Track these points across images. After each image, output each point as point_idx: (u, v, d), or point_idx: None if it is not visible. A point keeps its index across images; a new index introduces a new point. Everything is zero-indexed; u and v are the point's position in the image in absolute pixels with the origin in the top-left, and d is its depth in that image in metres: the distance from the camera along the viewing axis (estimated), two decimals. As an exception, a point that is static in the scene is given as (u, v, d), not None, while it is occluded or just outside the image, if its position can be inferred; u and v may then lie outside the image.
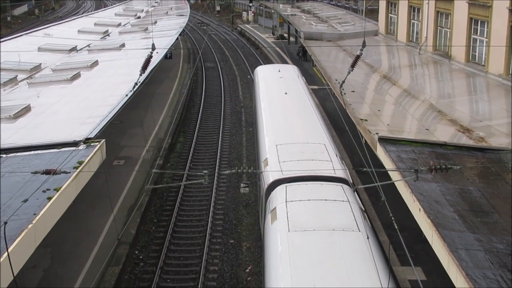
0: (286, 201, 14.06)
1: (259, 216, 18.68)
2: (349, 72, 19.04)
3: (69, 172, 14.02)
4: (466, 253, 10.79)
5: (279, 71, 29.63)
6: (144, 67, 19.32)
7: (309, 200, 13.99)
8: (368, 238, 12.11)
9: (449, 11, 30.24)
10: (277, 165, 16.46)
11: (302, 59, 50.80)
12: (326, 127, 20.67)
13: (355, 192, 15.00)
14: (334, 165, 16.10)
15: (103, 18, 56.69)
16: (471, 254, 10.79)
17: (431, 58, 32.20)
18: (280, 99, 24.07)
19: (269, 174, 15.98)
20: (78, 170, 14.69)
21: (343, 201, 13.87)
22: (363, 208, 14.37)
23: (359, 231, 12.47)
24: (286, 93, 24.62)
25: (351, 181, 15.59)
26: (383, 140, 16.91)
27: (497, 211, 12.87)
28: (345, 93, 21.77)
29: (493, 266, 10.46)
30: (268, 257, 12.51)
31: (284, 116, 21.63)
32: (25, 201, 12.54)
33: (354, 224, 12.76)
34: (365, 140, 18.08)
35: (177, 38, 43.09)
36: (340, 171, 15.80)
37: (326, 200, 13.89)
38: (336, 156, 17.09)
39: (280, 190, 14.84)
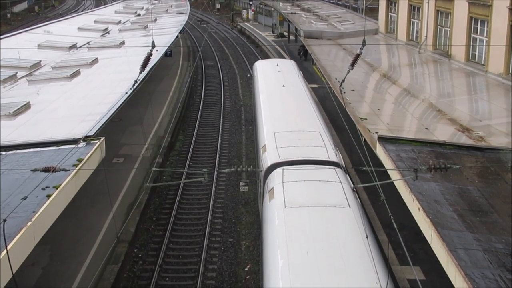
0: (283, 182, 14.99)
1: (257, 198, 19.63)
2: (349, 71, 19.03)
3: (69, 170, 14.03)
4: (465, 253, 10.79)
5: (277, 65, 30.85)
6: (144, 65, 19.30)
7: (304, 181, 14.95)
8: (359, 214, 13.19)
9: (449, 10, 30.23)
10: (274, 151, 17.45)
11: (303, 59, 50.60)
12: (321, 117, 21.80)
13: (347, 175, 16.01)
14: (328, 151, 17.17)
15: (103, 16, 56.65)
16: (470, 254, 10.79)
17: (431, 57, 32.19)
18: (278, 91, 25.15)
19: (267, 158, 17.03)
20: (77, 168, 14.70)
21: (335, 182, 14.87)
22: (355, 189, 15.13)
23: (350, 207, 13.49)
24: (283, 86, 25.65)
25: (344, 165, 16.73)
26: (383, 139, 16.91)
27: (496, 210, 12.87)
28: (344, 92, 21.76)
29: (492, 266, 10.46)
30: (266, 231, 13.47)
31: (281, 107, 22.82)
32: (24, 198, 12.55)
33: (345, 201, 13.77)
34: (364, 139, 18.09)
35: (177, 36, 43.05)
36: (333, 155, 16.87)
37: (319, 181, 14.87)
38: (330, 142, 18.12)
39: (277, 172, 15.72)
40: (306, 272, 11.07)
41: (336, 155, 17.04)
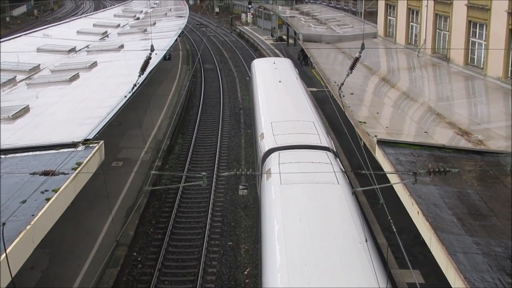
0: (279, 163, 16.60)
1: (256, 181, 21.47)
2: (348, 75, 19.03)
3: (68, 173, 14.01)
4: (465, 256, 10.79)
5: (274, 63, 32.79)
6: (143, 68, 19.31)
7: (298, 162, 16.59)
8: (350, 192, 14.68)
9: (448, 14, 30.28)
10: (271, 138, 19.02)
11: (303, 64, 50.43)
12: (315, 109, 23.82)
13: (337, 158, 17.56)
14: (320, 137, 18.79)
15: (102, 19, 56.67)
16: (470, 257, 10.79)
17: (430, 61, 32.23)
18: (274, 86, 26.98)
19: (265, 144, 18.67)
20: (76, 171, 14.68)
21: (326, 163, 16.43)
22: (344, 170, 16.69)
23: (339, 184, 15.03)
24: (280, 81, 27.51)
25: (334, 150, 18.30)
26: (382, 143, 16.91)
27: (495, 214, 12.88)
28: (343, 96, 21.75)
29: (491, 270, 10.46)
30: (263, 206, 14.96)
31: (278, 99, 24.63)
32: (24, 202, 12.51)
33: (335, 179, 15.27)
34: (363, 143, 18.09)
35: (176, 40, 43.07)
36: (324, 141, 18.47)
37: (312, 162, 16.46)
38: (322, 130, 19.75)
39: (274, 155, 17.33)
40: (299, 236, 12.55)
41: (327, 141, 18.63)
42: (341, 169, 16.35)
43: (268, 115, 21.95)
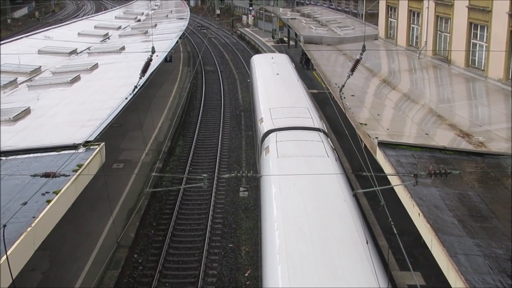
0: (276, 141, 18.68)
1: (256, 159, 24.12)
2: (348, 76, 19.03)
3: (69, 175, 14.02)
4: (466, 258, 10.78)
5: (272, 58, 35.70)
6: (144, 70, 19.32)
7: (293, 140, 18.69)
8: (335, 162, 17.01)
9: (449, 16, 30.28)
10: (270, 121, 21.12)
11: (305, 67, 50.18)
12: (309, 97, 26.02)
13: (328, 138, 19.60)
14: (313, 120, 20.95)
15: (103, 21, 56.72)
16: (471, 259, 10.78)
17: (431, 63, 32.23)
18: (273, 78, 29.43)
19: (264, 127, 20.71)
20: (77, 173, 14.68)
21: (318, 141, 18.57)
22: (333, 147, 19.01)
23: (328, 157, 17.18)
24: (278, 74, 30.01)
25: (326, 131, 20.43)
26: (383, 145, 16.91)
27: (496, 216, 12.86)
28: (344, 97, 21.76)
29: (493, 272, 10.45)
30: (262, 177, 16.80)
31: (276, 89, 26.99)
32: (24, 204, 12.53)
33: (325, 153, 17.46)
34: (364, 145, 18.09)
35: (177, 42, 43.10)
36: (317, 123, 20.60)
37: (305, 140, 18.61)
38: (315, 115, 22.04)
39: (272, 135, 19.38)
40: (293, 197, 14.71)
41: (319, 123, 20.76)
42: (331, 146, 18.57)
43: (267, 102, 24.14)
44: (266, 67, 32.32)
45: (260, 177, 17.17)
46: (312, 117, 21.25)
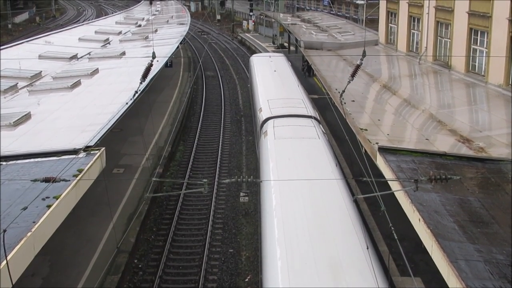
0: (273, 127, 21.26)
1: (255, 145, 27.74)
2: (349, 82, 19.04)
3: (69, 180, 14.01)
4: (466, 264, 10.77)
5: (270, 57, 39.09)
6: (145, 75, 19.34)
7: (288, 125, 21.25)
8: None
9: (449, 21, 30.33)
10: (268, 110, 23.72)
11: (307, 75, 49.76)
12: (304, 90, 28.80)
13: (320, 124, 22.18)
14: (307, 109, 23.66)
15: (104, 26, 56.79)
16: (471, 265, 10.76)
17: (431, 68, 32.26)
18: (271, 74, 32.48)
19: (263, 115, 23.27)
20: (77, 178, 14.68)
21: (310, 126, 21.11)
22: (324, 131, 21.56)
23: (319, 139, 19.69)
24: (275, 71, 33.14)
25: (318, 118, 23.04)
26: (383, 150, 16.91)
27: (497, 221, 12.85)
28: (345, 103, 21.78)
29: (493, 277, 10.43)
30: (261, 155, 19.77)
31: (273, 83, 30.01)
32: (25, 209, 12.52)
33: (317, 136, 19.97)
34: (365, 150, 18.09)
35: (177, 47, 43.15)
36: (311, 112, 23.31)
37: (299, 125, 21.18)
38: (309, 105, 24.73)
39: (270, 122, 22.04)
40: (288, 168, 17.19)
41: (312, 112, 23.47)
42: (322, 131, 21.08)
43: (265, 94, 27.03)
44: (265, 65, 35.24)
45: (259, 157, 19.22)
46: (305, 107, 24.00)
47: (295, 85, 29.39)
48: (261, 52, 64.49)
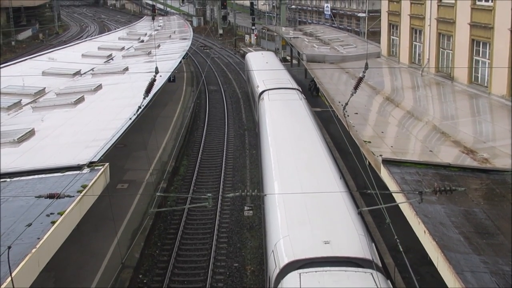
0: (268, 95, 30.81)
1: (253, 114, 38.23)
2: (352, 94, 19.09)
3: (73, 196, 14.02)
4: (472, 276, 10.72)
5: (262, 53, 52.80)
6: (148, 91, 19.42)
7: (278, 94, 31.02)
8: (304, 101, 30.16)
9: (451, 33, 30.40)
10: (263, 85, 33.45)
11: (314, 94, 48.75)
12: (292, 76, 39.01)
13: (302, 94, 31.69)
14: (292, 84, 34.30)
15: (107, 42, 57.05)
16: (477, 277, 10.71)
17: (434, 80, 32.30)
18: (263, 64, 42.18)
19: (260, 89, 33.10)
20: (82, 194, 14.69)
21: (294, 94, 31.29)
22: (305, 97, 31.31)
23: (301, 100, 29.70)
24: (267, 62, 43.60)
25: (301, 90, 32.97)
26: (387, 162, 16.89)
27: (502, 232, 12.81)
28: (348, 115, 21.80)
29: (500, 289, 10.38)
30: (260, 113, 29.10)
31: (268, 72, 37.86)
32: (29, 225, 12.53)
33: (298, 99, 30.07)
34: (369, 162, 18.07)
35: (180, 62, 43.28)
36: (295, 86, 33.92)
37: (286, 94, 31.26)
38: (294, 83, 35.43)
39: (265, 93, 31.49)
40: (279, 118, 26.23)
41: (296, 86, 34.04)
42: (303, 97, 30.84)
43: (260, 76, 36.70)
44: (258, 59, 46.86)
45: (257, 115, 27.72)
46: (291, 83, 34.64)
47: (283, 71, 40.15)
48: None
